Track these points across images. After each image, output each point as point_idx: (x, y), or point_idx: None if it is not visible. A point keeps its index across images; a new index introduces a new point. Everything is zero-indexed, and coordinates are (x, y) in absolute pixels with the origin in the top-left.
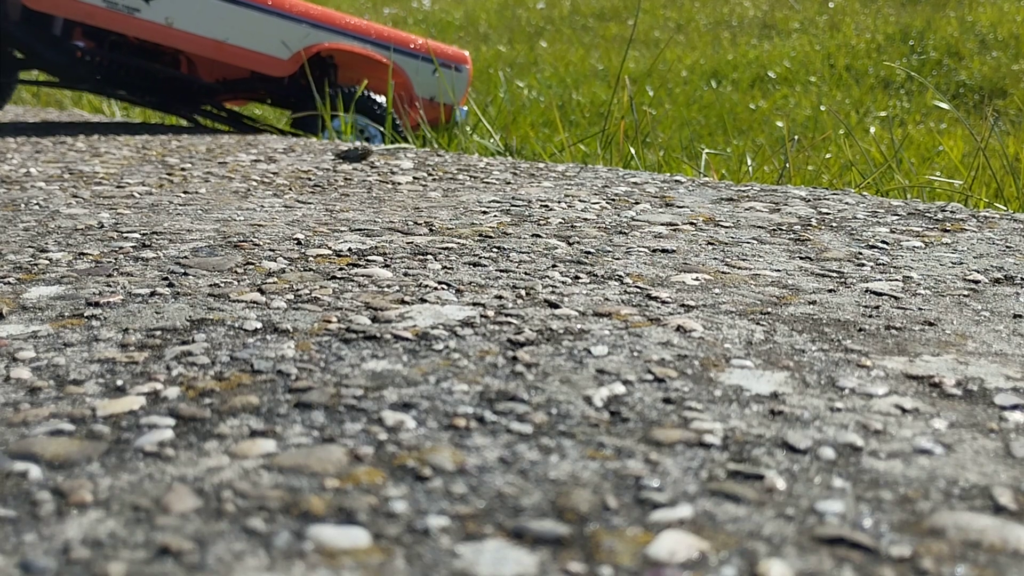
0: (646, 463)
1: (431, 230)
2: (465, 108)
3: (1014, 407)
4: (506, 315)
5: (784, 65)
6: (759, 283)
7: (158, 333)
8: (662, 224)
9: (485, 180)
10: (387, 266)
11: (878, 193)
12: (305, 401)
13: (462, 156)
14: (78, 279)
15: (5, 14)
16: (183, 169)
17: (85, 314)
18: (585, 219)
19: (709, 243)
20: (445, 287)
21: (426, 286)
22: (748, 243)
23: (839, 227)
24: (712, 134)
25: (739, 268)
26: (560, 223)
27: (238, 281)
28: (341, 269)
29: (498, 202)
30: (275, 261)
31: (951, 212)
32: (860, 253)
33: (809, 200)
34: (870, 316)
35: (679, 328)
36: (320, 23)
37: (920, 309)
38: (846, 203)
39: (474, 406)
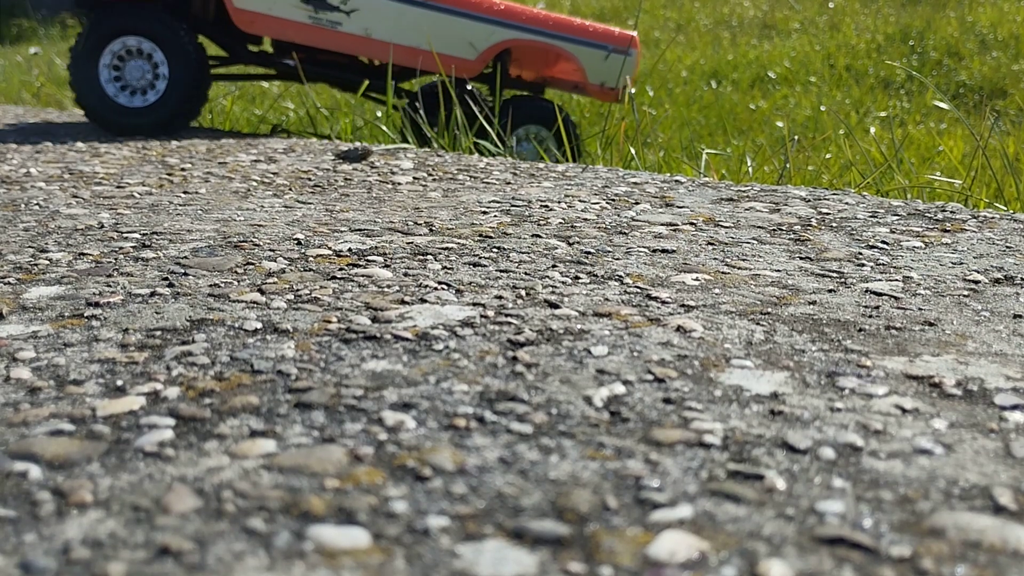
0: (646, 463)
1: (431, 230)
2: (633, 89)
3: (1014, 407)
4: (506, 315)
5: (784, 65)
6: (759, 283)
7: (158, 333)
8: (662, 224)
9: (485, 180)
10: (387, 266)
11: (878, 193)
12: (305, 401)
13: (462, 156)
14: (78, 279)
15: (200, 10)
16: (183, 169)
17: (85, 314)
18: (585, 219)
19: (709, 243)
20: (445, 287)
21: (426, 286)
22: (748, 243)
23: (839, 227)
24: (712, 134)
25: (739, 268)
26: (560, 223)
27: (238, 281)
28: (341, 269)
29: (498, 202)
30: (275, 261)
31: (951, 212)
32: (860, 253)
33: (809, 200)
34: (870, 316)
35: (679, 328)
36: (503, 19)
37: (920, 309)
38: (846, 203)
39: (474, 406)
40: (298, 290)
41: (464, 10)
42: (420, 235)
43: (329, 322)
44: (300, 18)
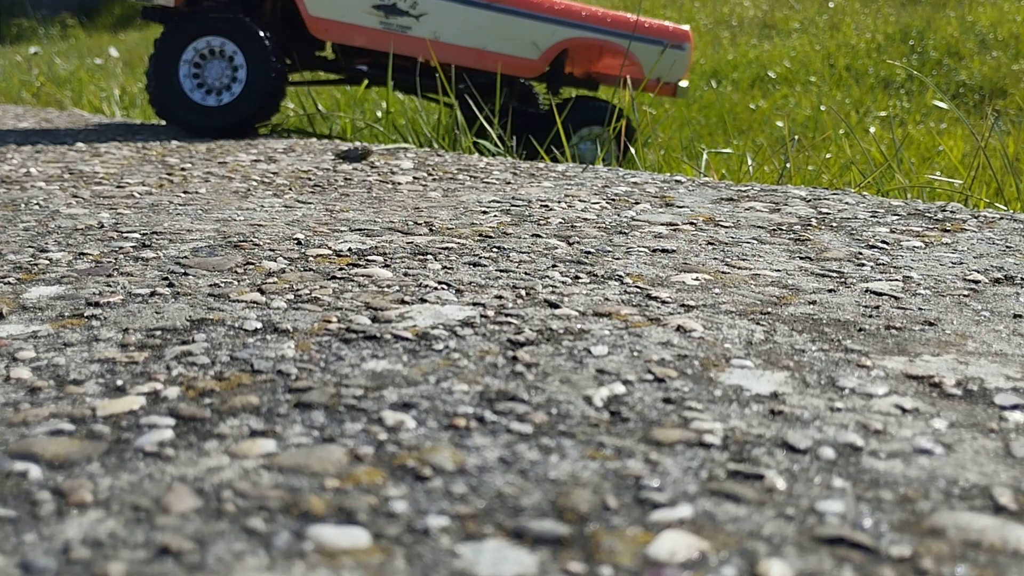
0: (646, 463)
1: (431, 230)
2: (686, 84)
3: (1014, 407)
4: (506, 315)
5: (784, 65)
6: (759, 283)
7: (158, 333)
8: (662, 224)
9: (485, 180)
10: (387, 266)
11: (878, 193)
12: (305, 401)
13: (462, 156)
14: (78, 279)
15: (269, 15)
16: (183, 169)
17: (85, 314)
18: (585, 219)
19: (709, 243)
20: (445, 287)
21: (426, 286)
22: (748, 243)
23: (839, 227)
24: (712, 134)
25: (739, 268)
26: (560, 223)
27: (238, 281)
28: (341, 269)
29: (498, 202)
30: (275, 261)
31: (951, 212)
32: (860, 253)
33: (809, 200)
34: (870, 316)
35: (679, 328)
36: (564, 19)
37: (920, 309)
38: (846, 203)
39: (474, 406)
40: (298, 290)
41: (527, 11)
42: (420, 235)
43: (329, 322)
44: (372, 24)
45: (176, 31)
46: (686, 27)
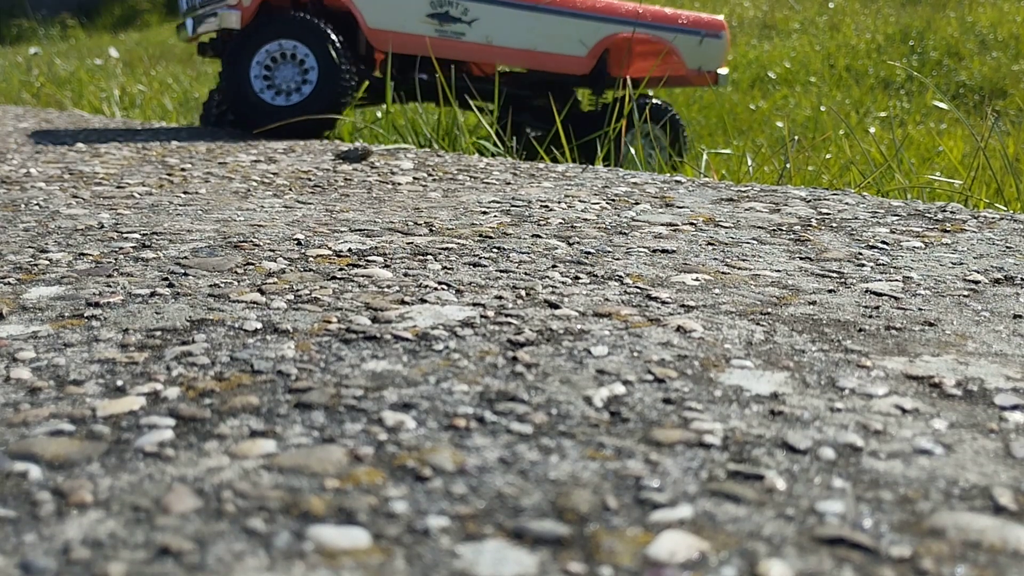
0: (646, 463)
1: (431, 230)
2: (726, 70)
3: (1014, 407)
4: (506, 315)
5: (784, 65)
6: (759, 283)
7: (158, 333)
8: (662, 224)
9: (485, 180)
10: (387, 266)
11: (878, 193)
12: (305, 401)
13: (462, 156)
14: (78, 279)
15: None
16: (183, 169)
17: (85, 314)
18: (585, 219)
19: (709, 243)
20: (445, 287)
21: (426, 286)
22: (748, 243)
23: (839, 227)
24: (712, 134)
25: (739, 268)
26: (560, 223)
27: (238, 281)
28: (341, 269)
29: (498, 202)
30: (275, 261)
31: (951, 212)
32: (860, 253)
33: (809, 200)
34: (870, 316)
35: (679, 328)
36: (607, 15)
37: (920, 309)
38: (846, 203)
39: (474, 406)
40: (298, 290)
41: (573, 9)
42: (420, 235)
43: (329, 322)
44: (428, 32)
45: (250, 33)
46: (720, 16)
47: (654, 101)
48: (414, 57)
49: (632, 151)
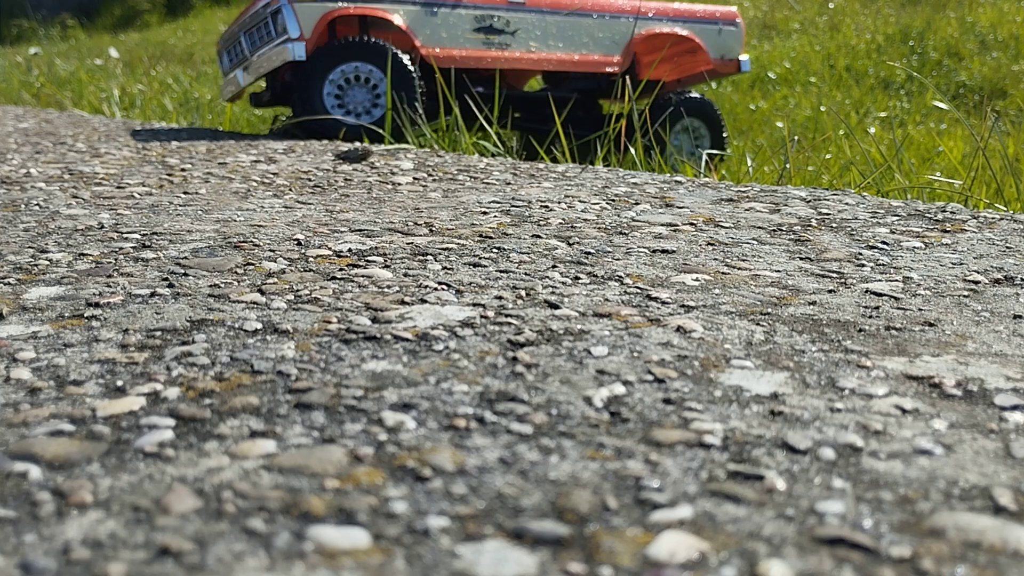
0: (646, 464)
1: (431, 231)
2: (747, 57)
3: (1014, 407)
4: (506, 316)
5: (784, 66)
6: (759, 284)
7: (158, 334)
8: (662, 225)
9: (485, 181)
10: (387, 267)
11: (878, 194)
12: (305, 402)
13: (462, 157)
14: (78, 280)
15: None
16: (183, 170)
17: (85, 315)
18: (585, 220)
19: (709, 243)
20: (445, 288)
21: (426, 287)
22: (748, 244)
23: (839, 228)
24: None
25: (739, 269)
26: (560, 224)
27: (238, 282)
28: (341, 270)
29: (498, 203)
30: (275, 262)
31: (951, 213)
32: (860, 254)
33: (809, 201)
34: (870, 317)
35: (679, 329)
36: (636, 14)
37: (920, 310)
38: (846, 204)
39: (474, 407)
40: (298, 290)
41: (605, 12)
42: (420, 235)
43: (329, 322)
44: (477, 45)
45: (325, 54)
46: (733, 7)
47: (694, 96)
48: (461, 74)
49: (663, 147)
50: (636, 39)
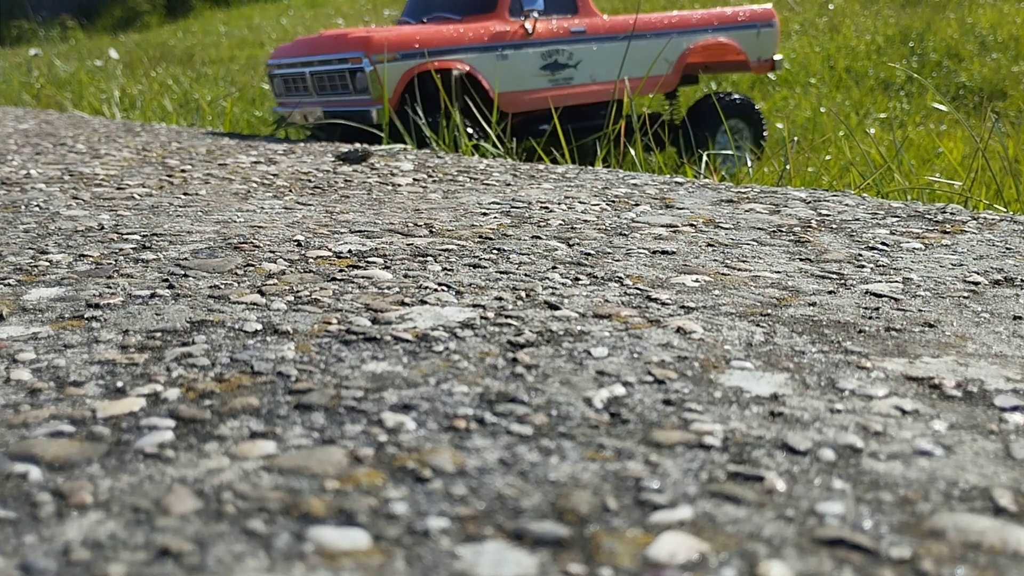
0: (646, 464)
1: (431, 232)
2: (780, 56)
3: (1014, 408)
4: (506, 316)
5: (784, 67)
6: (759, 285)
7: (158, 335)
8: (662, 226)
9: (485, 182)
10: (387, 268)
11: (878, 195)
12: (305, 403)
13: (462, 158)
14: (78, 281)
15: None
16: (183, 171)
17: (85, 316)
18: (585, 221)
19: (709, 245)
20: (445, 289)
21: (426, 288)
22: (748, 245)
23: (839, 229)
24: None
25: (739, 270)
26: (560, 225)
27: (238, 283)
28: (341, 271)
29: (498, 204)
30: (275, 263)
31: (951, 214)
32: (860, 255)
33: (809, 202)
34: (870, 318)
35: (679, 330)
36: (681, 29)
37: (920, 311)
38: (846, 205)
39: (474, 407)
40: (298, 291)
41: (655, 31)
42: (420, 237)
43: (329, 323)
44: (543, 84)
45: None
46: (768, 6)
47: (736, 96)
48: (530, 113)
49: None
50: (685, 54)
